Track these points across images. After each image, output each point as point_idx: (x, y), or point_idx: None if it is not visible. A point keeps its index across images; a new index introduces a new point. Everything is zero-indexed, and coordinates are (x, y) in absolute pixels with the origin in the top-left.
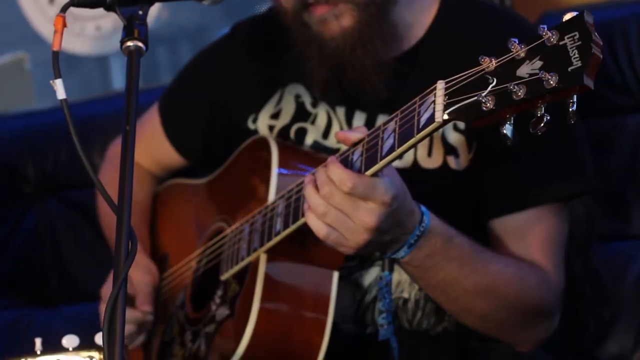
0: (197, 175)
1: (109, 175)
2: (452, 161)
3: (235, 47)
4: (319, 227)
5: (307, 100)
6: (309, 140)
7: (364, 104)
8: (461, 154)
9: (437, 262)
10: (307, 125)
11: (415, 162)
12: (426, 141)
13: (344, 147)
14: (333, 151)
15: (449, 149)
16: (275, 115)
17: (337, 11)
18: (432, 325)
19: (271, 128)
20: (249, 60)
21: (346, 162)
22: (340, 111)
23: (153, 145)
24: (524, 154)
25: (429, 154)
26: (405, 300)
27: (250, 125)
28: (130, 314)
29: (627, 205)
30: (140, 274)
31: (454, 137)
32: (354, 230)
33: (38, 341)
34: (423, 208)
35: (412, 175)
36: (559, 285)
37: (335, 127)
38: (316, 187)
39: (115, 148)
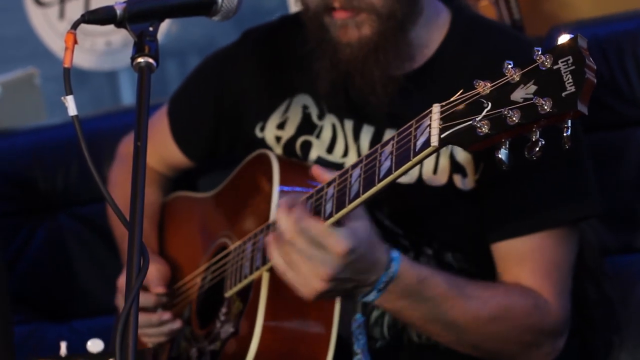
0: (201, 188)
1: (120, 175)
2: (458, 180)
3: (245, 54)
4: (278, 262)
5: (313, 111)
6: (313, 154)
7: (372, 117)
8: (469, 173)
9: (411, 303)
10: (312, 138)
11: (420, 178)
12: (432, 158)
13: (348, 162)
14: (337, 166)
15: (457, 168)
16: (281, 125)
17: (358, 19)
18: None
19: (278, 139)
20: (259, 68)
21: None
22: (349, 124)
23: (161, 146)
24: (527, 179)
25: (435, 171)
26: None
27: (258, 134)
28: (144, 297)
29: (636, 218)
30: (150, 263)
31: (462, 157)
32: (308, 276)
33: (63, 345)
34: (394, 254)
35: (416, 191)
36: (560, 310)
37: (340, 142)
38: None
39: (126, 146)
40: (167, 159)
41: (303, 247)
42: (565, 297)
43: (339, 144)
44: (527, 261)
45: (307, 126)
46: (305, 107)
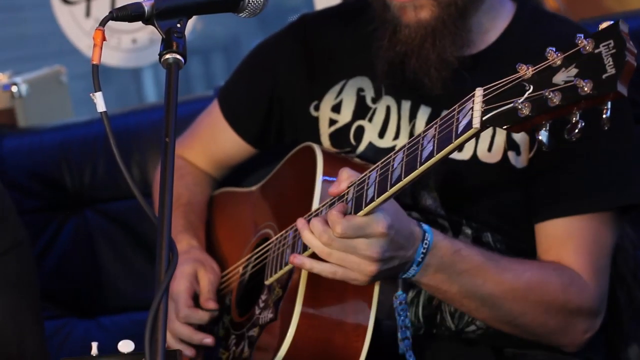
0: (244, 184)
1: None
2: (512, 157)
3: (301, 34)
4: (323, 268)
5: (369, 94)
6: (366, 139)
7: (429, 98)
8: (523, 152)
9: (448, 276)
10: (365, 123)
11: (474, 155)
12: (488, 136)
13: (398, 145)
14: (386, 152)
15: (512, 145)
16: (336, 108)
17: (417, 2)
18: (470, 321)
19: (332, 123)
20: (314, 48)
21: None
22: (406, 105)
23: (211, 138)
24: (580, 161)
25: (489, 148)
26: None
27: (312, 112)
28: (195, 315)
29: None
30: (204, 272)
31: (519, 135)
32: (359, 263)
33: (94, 345)
34: (425, 226)
35: (470, 168)
36: (597, 289)
37: (392, 124)
38: (312, 232)
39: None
40: (218, 154)
41: (344, 246)
42: (603, 277)
43: (390, 127)
44: (571, 241)
45: (361, 110)
46: (360, 90)
